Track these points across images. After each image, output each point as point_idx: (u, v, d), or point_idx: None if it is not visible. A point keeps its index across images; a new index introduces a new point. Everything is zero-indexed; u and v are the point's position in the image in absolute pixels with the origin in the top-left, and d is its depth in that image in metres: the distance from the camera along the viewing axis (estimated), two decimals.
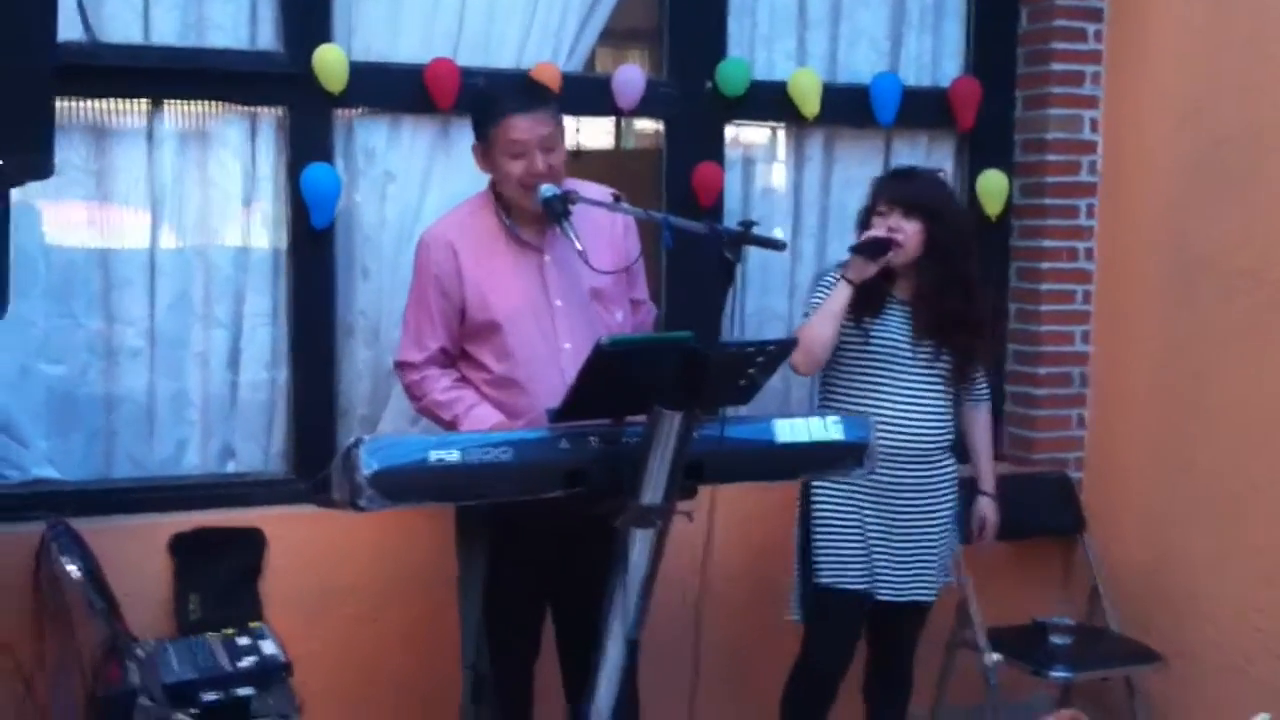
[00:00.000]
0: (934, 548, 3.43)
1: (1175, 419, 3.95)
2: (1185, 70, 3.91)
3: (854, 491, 3.32)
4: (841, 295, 3.29)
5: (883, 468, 3.21)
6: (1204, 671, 3.82)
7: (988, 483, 3.65)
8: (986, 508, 3.64)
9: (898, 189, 3.38)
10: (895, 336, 3.35)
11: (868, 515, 3.34)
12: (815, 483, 3.33)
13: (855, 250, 3.31)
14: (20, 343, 3.39)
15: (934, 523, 3.42)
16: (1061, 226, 4.27)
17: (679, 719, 2.88)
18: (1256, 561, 3.65)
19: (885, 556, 3.36)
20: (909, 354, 3.35)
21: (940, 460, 3.42)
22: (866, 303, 3.32)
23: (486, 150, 3.06)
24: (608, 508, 2.63)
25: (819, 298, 3.36)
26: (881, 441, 3.15)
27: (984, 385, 3.58)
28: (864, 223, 3.41)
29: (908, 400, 3.34)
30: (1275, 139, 3.59)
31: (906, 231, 3.30)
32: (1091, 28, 4.22)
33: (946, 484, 3.43)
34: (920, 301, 3.34)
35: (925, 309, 3.34)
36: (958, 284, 3.33)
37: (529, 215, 3.06)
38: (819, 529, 3.34)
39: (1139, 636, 3.98)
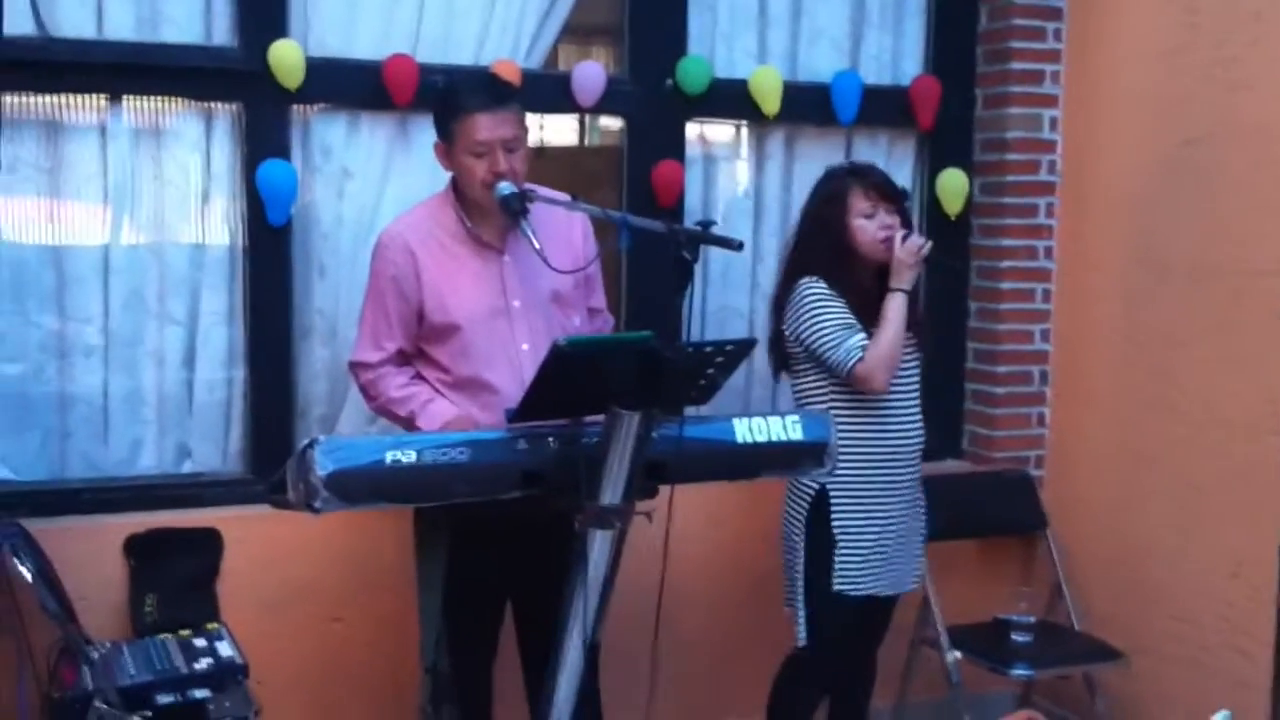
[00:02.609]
0: (924, 535, 3.49)
1: (1139, 416, 3.97)
2: (1151, 69, 3.92)
3: (869, 495, 3.30)
4: (902, 306, 3.26)
5: (896, 466, 3.33)
6: (1165, 666, 3.84)
7: None
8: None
9: (878, 183, 3.36)
10: None
11: (888, 518, 3.33)
12: (833, 493, 3.27)
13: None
14: None
15: (922, 511, 3.48)
16: (1021, 225, 4.28)
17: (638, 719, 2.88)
18: (1222, 556, 3.66)
19: (901, 555, 3.37)
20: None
21: (922, 447, 3.46)
22: (876, 307, 3.28)
23: (449, 149, 3.03)
24: (566, 505, 2.63)
25: (834, 313, 3.26)
26: (894, 438, 3.31)
27: None
28: (837, 221, 3.32)
29: (907, 392, 3.37)
30: (1244, 136, 3.61)
31: (898, 226, 3.34)
32: (1051, 26, 4.24)
33: (920, 471, 3.48)
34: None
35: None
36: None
37: (490, 215, 3.03)
38: (843, 537, 3.28)
39: (1101, 633, 3.99)
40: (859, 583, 3.31)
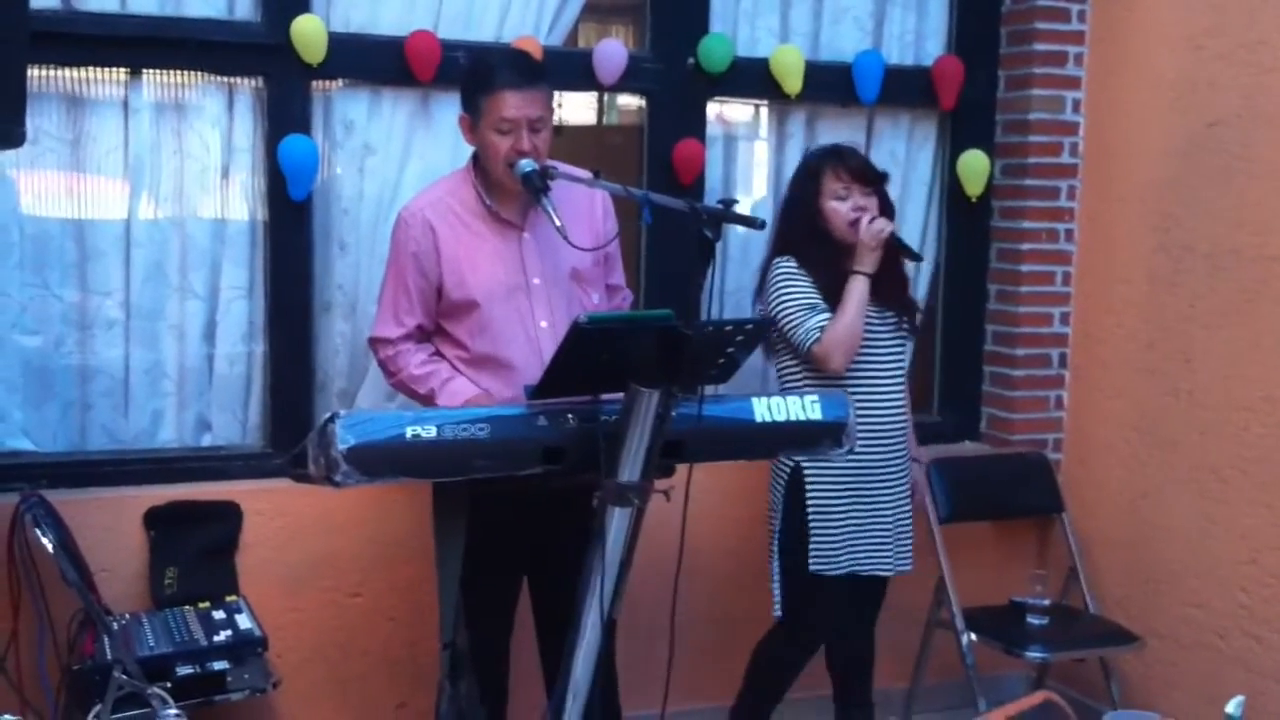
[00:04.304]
0: (910, 517, 3.48)
1: (1158, 400, 3.95)
2: (1177, 51, 3.89)
3: (846, 476, 3.32)
4: (863, 289, 3.27)
5: (873, 445, 3.30)
6: (1181, 652, 3.84)
7: (914, 449, 3.62)
8: (917, 473, 3.59)
9: (853, 166, 3.38)
10: (869, 312, 3.33)
11: (858, 497, 3.34)
12: (809, 473, 3.30)
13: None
14: None
15: (907, 493, 3.47)
16: (1042, 208, 4.26)
17: (656, 696, 2.88)
18: (1239, 542, 3.65)
19: (876, 533, 3.36)
20: (879, 326, 3.37)
21: (907, 429, 3.48)
22: (842, 286, 3.30)
23: (474, 123, 3.02)
24: (585, 480, 2.63)
25: (799, 293, 3.31)
26: (871, 418, 3.29)
27: None
28: (810, 201, 3.36)
29: (887, 373, 3.38)
30: (1270, 120, 3.58)
31: (873, 208, 3.35)
32: (1075, 8, 4.21)
33: (906, 453, 3.48)
34: (880, 272, 3.33)
35: (885, 278, 3.35)
36: (892, 248, 3.38)
37: (510, 192, 3.03)
38: (816, 517, 3.30)
39: (1116, 617, 4.00)
40: (837, 561, 3.32)
